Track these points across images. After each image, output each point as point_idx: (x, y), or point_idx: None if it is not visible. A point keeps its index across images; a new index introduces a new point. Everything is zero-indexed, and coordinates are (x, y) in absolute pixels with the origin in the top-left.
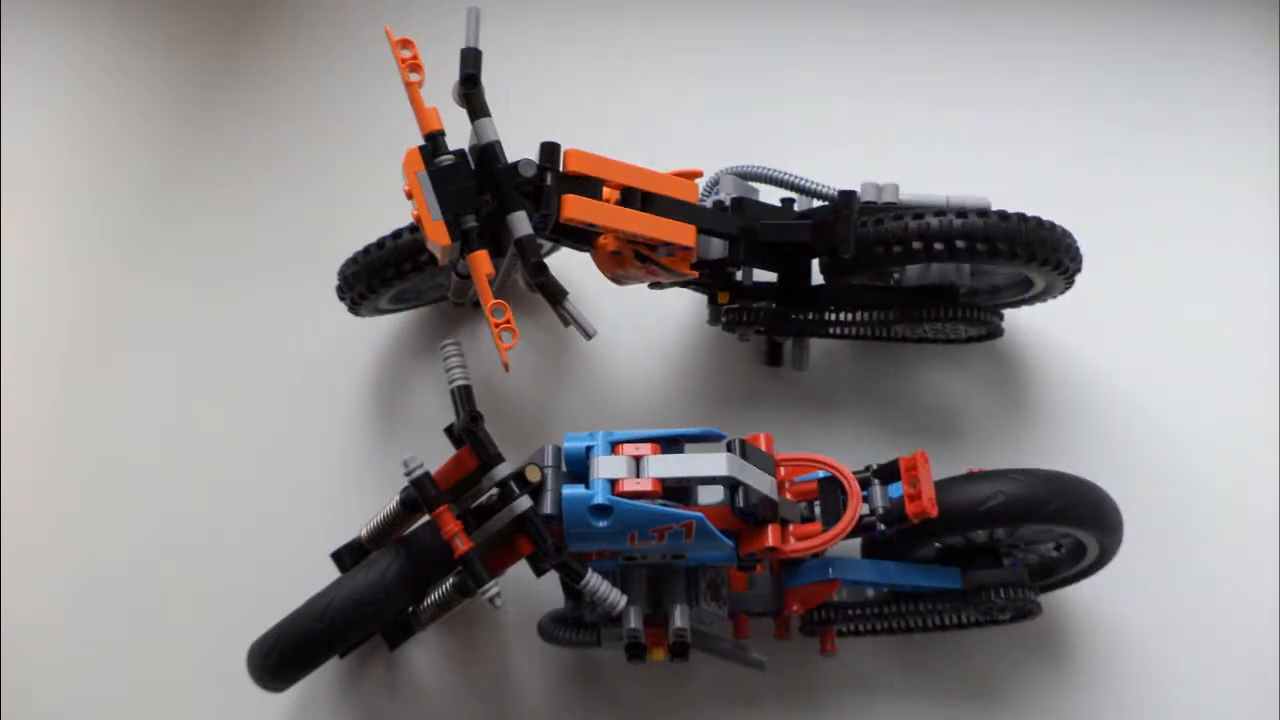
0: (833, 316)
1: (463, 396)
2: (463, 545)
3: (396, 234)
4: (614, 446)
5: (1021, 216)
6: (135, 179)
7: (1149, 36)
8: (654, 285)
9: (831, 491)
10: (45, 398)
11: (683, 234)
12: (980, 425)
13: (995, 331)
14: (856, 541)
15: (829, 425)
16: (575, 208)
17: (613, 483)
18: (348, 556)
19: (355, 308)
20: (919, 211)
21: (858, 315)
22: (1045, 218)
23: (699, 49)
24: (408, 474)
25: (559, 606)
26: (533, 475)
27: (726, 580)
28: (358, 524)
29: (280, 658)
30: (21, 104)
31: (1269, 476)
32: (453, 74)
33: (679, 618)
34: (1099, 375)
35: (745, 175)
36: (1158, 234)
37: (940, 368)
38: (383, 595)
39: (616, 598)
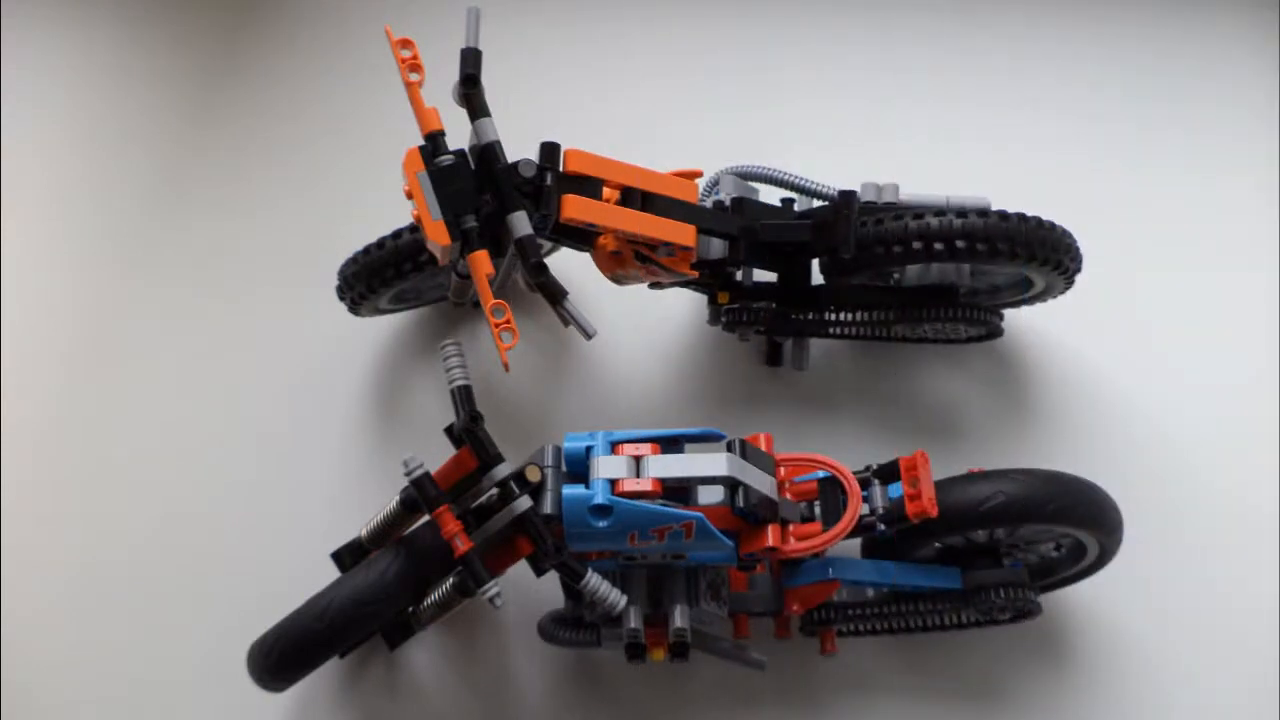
0: (833, 316)
1: (463, 396)
2: (463, 545)
3: (396, 234)
4: (614, 446)
5: (1021, 216)
6: (135, 179)
7: (1149, 36)
8: (654, 285)
9: (831, 491)
10: (45, 398)
11: (683, 234)
12: (980, 425)
13: (995, 331)
14: (856, 541)
15: (829, 425)
16: (575, 208)
17: (613, 483)
18: (348, 556)
19: (355, 308)
20: (919, 211)
21: (858, 315)
22: (1045, 218)
23: (699, 49)
24: (408, 474)
25: (559, 606)
26: (533, 475)
27: (726, 580)
28: (358, 524)
29: (280, 658)
30: (21, 104)
31: (1269, 476)
32: (453, 74)
33: (679, 618)
34: (1099, 375)
35: (745, 175)
36: (1158, 234)
37: (940, 368)
38: (383, 595)
39: (616, 598)
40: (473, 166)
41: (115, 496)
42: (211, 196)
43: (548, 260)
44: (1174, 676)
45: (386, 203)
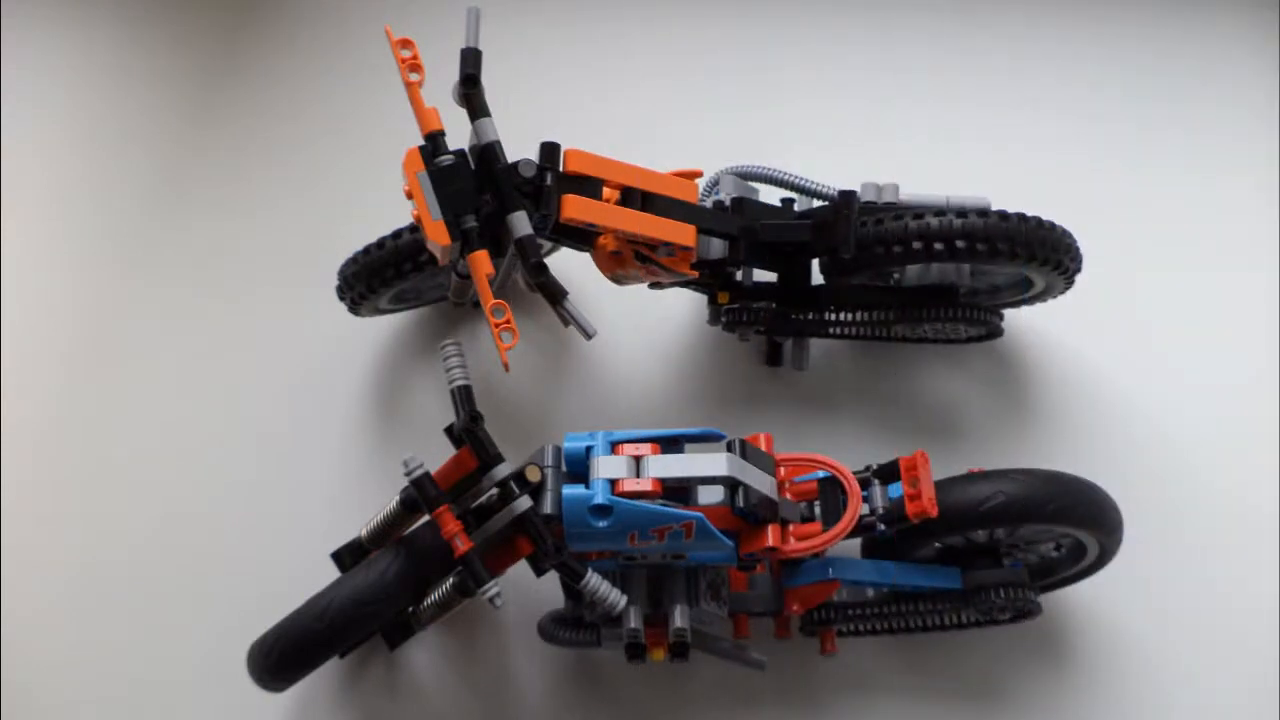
0: (833, 316)
1: (463, 396)
2: (463, 545)
3: (396, 234)
4: (614, 446)
5: (1021, 216)
6: (135, 179)
7: (1149, 36)
8: (654, 285)
9: (831, 491)
10: (45, 398)
11: (683, 234)
12: (980, 425)
13: (995, 331)
14: (856, 541)
15: (829, 425)
16: (575, 208)
17: (613, 483)
18: (348, 556)
19: (355, 308)
20: (919, 211)
21: (858, 315)
22: (1045, 218)
23: (699, 49)
24: (408, 474)
25: (559, 606)
26: (533, 475)
27: (726, 580)
28: (358, 524)
29: (280, 658)
30: (21, 104)
31: (1269, 476)
32: (453, 74)
33: (679, 618)
34: (1099, 375)
35: (745, 175)
36: (1158, 234)
37: (940, 368)
38: (383, 595)
39: (616, 598)
40: (473, 166)
41: (115, 496)
42: (211, 196)
43: (548, 260)
44: (1174, 676)
45: (386, 203)
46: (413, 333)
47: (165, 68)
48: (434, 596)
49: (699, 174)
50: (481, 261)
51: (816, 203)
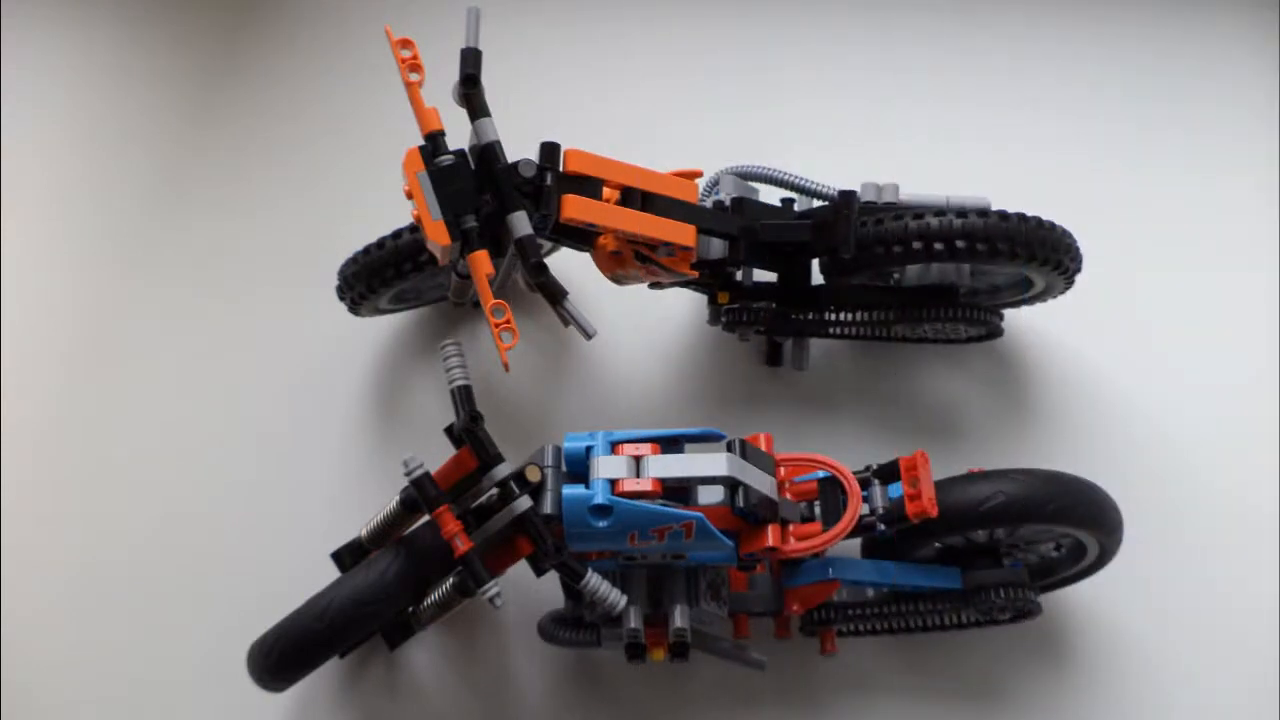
0: (833, 316)
1: (463, 396)
2: (463, 545)
3: (396, 234)
4: (614, 446)
5: (1021, 216)
6: (135, 179)
7: (1149, 36)
8: (654, 285)
9: (831, 491)
10: (45, 398)
11: (683, 234)
12: (980, 425)
13: (995, 331)
14: (856, 541)
15: (829, 425)
16: (575, 208)
17: (613, 483)
18: (348, 556)
19: (355, 308)
20: (919, 211)
21: (858, 315)
22: (1045, 218)
23: (699, 49)
24: (408, 474)
25: (559, 606)
26: (533, 475)
27: (726, 580)
28: (358, 524)
29: (280, 658)
30: (21, 104)
31: (1269, 476)
32: (453, 74)
33: (679, 618)
34: (1099, 375)
35: (745, 175)
36: (1158, 234)
37: (940, 368)
38: (383, 595)
39: (616, 598)
40: (473, 166)
41: (115, 496)
42: (211, 196)
43: (548, 260)
44: (1174, 676)
45: (386, 203)
46: (413, 333)
47: (165, 68)
48: (434, 596)
49: (699, 174)
50: (481, 261)
51: (816, 203)
